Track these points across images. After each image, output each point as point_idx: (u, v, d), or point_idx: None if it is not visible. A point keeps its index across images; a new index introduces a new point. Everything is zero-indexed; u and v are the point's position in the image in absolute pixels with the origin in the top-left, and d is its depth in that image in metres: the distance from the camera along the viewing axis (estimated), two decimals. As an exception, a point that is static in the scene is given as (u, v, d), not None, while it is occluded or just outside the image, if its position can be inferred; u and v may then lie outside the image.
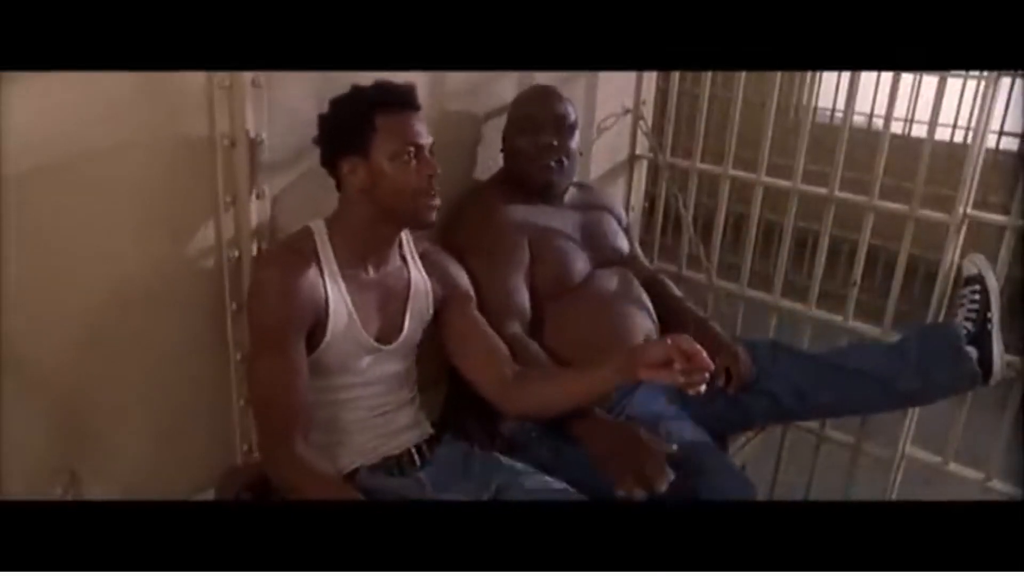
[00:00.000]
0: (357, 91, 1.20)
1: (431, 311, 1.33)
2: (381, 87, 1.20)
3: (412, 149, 1.19)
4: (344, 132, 1.19)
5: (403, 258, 1.31)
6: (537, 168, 1.55)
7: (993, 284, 1.55)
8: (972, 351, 1.50)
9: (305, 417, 1.16)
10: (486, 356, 1.32)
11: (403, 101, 1.20)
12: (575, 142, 1.59)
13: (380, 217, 1.22)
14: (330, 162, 1.23)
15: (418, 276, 1.31)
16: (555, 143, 1.54)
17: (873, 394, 1.54)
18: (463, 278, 1.39)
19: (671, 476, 1.20)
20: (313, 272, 1.18)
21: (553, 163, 1.55)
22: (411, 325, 1.29)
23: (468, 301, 1.37)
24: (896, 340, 1.61)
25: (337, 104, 1.21)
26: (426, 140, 1.21)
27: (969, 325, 1.53)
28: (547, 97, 1.57)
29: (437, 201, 1.22)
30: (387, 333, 1.26)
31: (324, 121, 1.22)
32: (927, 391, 1.54)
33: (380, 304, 1.25)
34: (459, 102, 1.60)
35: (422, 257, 1.34)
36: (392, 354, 1.28)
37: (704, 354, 1.09)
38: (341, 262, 1.21)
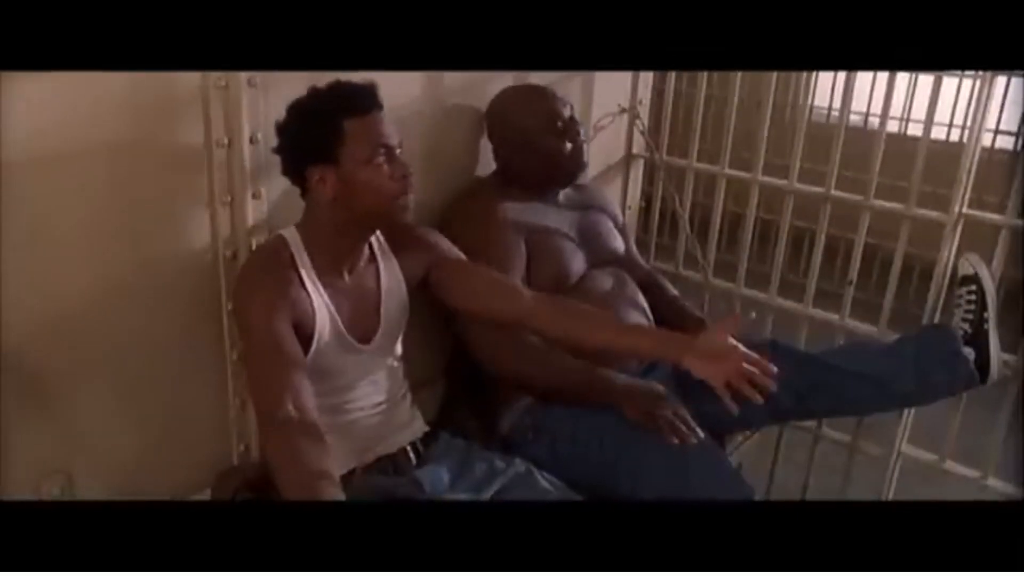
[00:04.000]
0: (319, 96, 1.15)
1: (406, 300, 1.32)
2: (345, 89, 1.15)
3: (383, 151, 1.15)
4: (310, 140, 1.15)
5: (372, 253, 1.29)
6: (574, 162, 1.59)
7: (989, 284, 1.55)
8: (969, 352, 1.50)
9: (307, 408, 1.08)
10: (493, 284, 1.33)
11: (368, 103, 1.16)
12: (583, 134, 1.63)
13: (353, 222, 1.19)
14: (295, 172, 1.19)
15: (388, 267, 1.30)
16: (581, 139, 1.58)
17: (870, 395, 1.54)
18: (444, 241, 1.37)
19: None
20: (296, 283, 1.17)
21: (581, 158, 1.60)
22: (386, 320, 1.28)
23: (456, 256, 1.36)
24: (893, 341, 1.62)
25: (298, 111, 1.16)
26: (395, 140, 1.17)
27: (966, 326, 1.53)
28: (554, 96, 1.59)
29: (412, 198, 1.19)
30: (365, 333, 1.26)
31: (285, 130, 1.17)
32: (924, 392, 1.54)
33: (355, 305, 1.24)
34: (456, 101, 1.60)
35: (399, 237, 1.31)
36: (375, 353, 1.27)
37: (756, 375, 1.12)
38: (319, 269, 1.19)
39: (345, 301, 1.22)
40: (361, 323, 1.25)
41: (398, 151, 1.18)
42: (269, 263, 1.17)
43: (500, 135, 1.61)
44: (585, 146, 1.60)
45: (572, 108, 1.60)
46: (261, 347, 1.11)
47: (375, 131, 1.15)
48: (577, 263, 1.58)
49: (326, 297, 1.19)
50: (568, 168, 1.60)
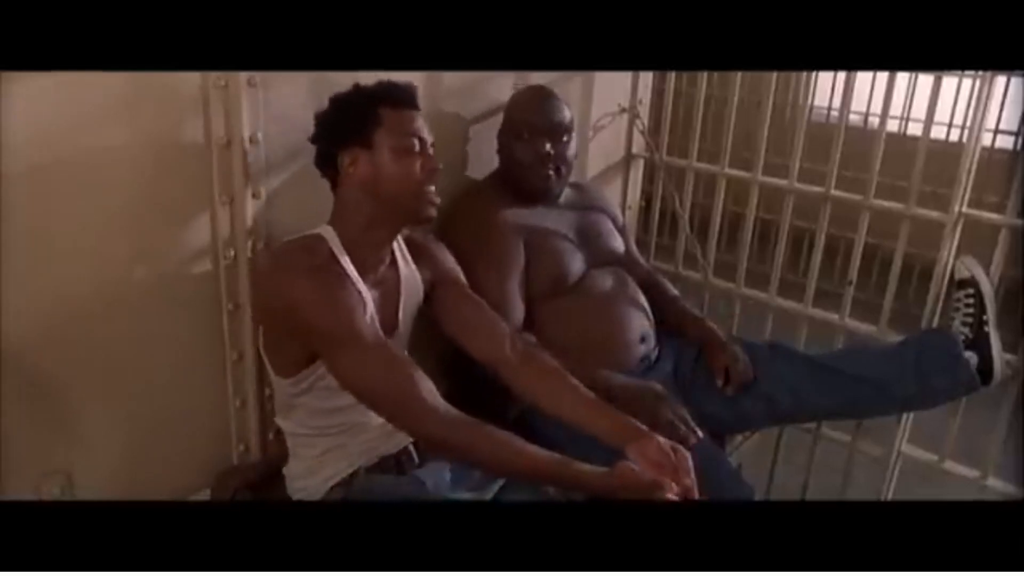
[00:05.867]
0: (360, 87, 1.20)
1: (420, 301, 1.33)
2: (385, 84, 1.20)
3: (416, 142, 1.19)
4: (347, 124, 1.19)
5: (392, 256, 1.29)
6: (535, 175, 1.55)
7: (987, 286, 1.55)
8: (971, 356, 1.50)
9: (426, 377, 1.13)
10: (487, 326, 1.32)
11: (407, 100, 1.21)
12: (572, 147, 1.59)
13: (380, 215, 1.20)
14: (329, 156, 1.21)
15: (408, 270, 1.31)
16: (552, 151, 1.54)
17: (870, 398, 1.54)
18: (450, 260, 1.38)
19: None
20: (348, 280, 1.17)
21: (550, 171, 1.55)
22: (404, 321, 1.29)
23: (459, 279, 1.37)
24: (894, 345, 1.61)
25: (339, 100, 1.21)
26: (428, 137, 1.21)
27: (966, 330, 1.53)
28: (544, 102, 1.56)
29: (437, 199, 1.22)
30: (386, 332, 1.25)
31: (324, 116, 1.21)
32: (925, 396, 1.53)
33: (380, 304, 1.24)
34: (454, 101, 1.60)
35: (407, 243, 1.32)
36: None
37: (690, 483, 1.06)
38: (356, 265, 1.20)
39: (373, 299, 1.22)
40: (383, 323, 1.25)
41: (430, 149, 1.21)
42: (319, 262, 1.16)
43: (498, 136, 1.61)
44: (550, 169, 1.54)
45: (567, 120, 1.56)
46: (373, 351, 1.12)
47: (410, 124, 1.20)
48: (576, 264, 1.58)
49: (369, 296, 1.20)
50: (529, 180, 1.56)
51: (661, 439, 1.12)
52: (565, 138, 1.56)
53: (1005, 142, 3.37)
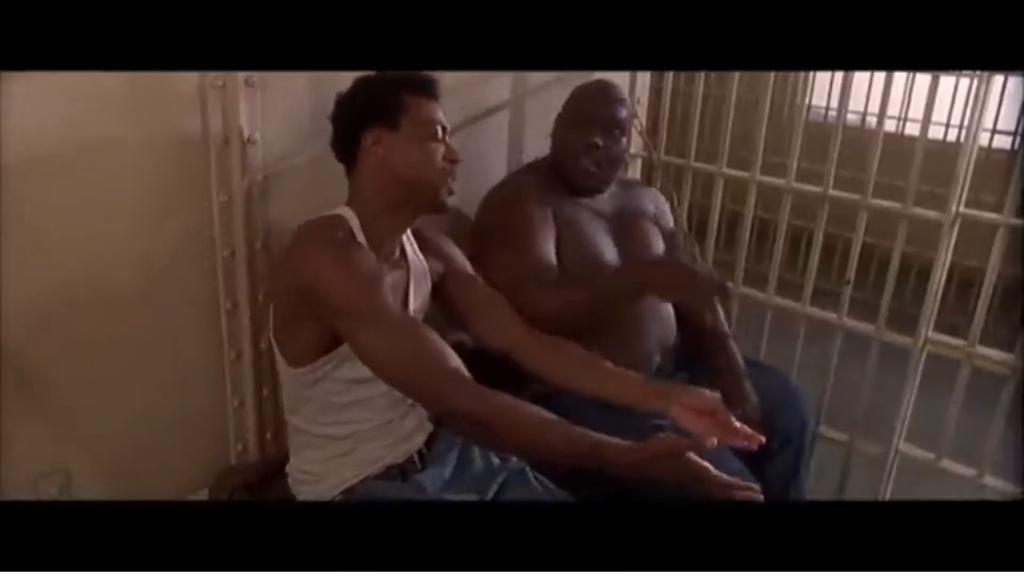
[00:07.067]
0: (386, 72, 1.21)
1: (429, 293, 1.33)
2: (411, 72, 1.21)
3: (438, 130, 1.20)
4: (372, 105, 1.19)
5: (403, 250, 1.29)
6: (578, 165, 1.53)
7: None
8: None
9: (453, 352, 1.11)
10: (501, 312, 1.32)
11: (430, 89, 1.22)
12: (621, 145, 1.57)
13: (399, 198, 1.20)
14: (350, 136, 1.21)
15: (417, 261, 1.30)
16: (600, 143, 1.52)
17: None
18: (458, 253, 1.39)
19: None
20: (366, 249, 1.16)
21: (594, 164, 1.53)
22: (415, 312, 1.28)
23: (468, 269, 1.37)
24: None
25: (364, 81, 1.21)
26: (448, 127, 1.23)
27: None
28: (604, 95, 1.55)
29: (453, 182, 1.23)
30: None
31: (347, 97, 1.22)
32: None
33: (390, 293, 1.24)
34: (452, 100, 1.60)
35: (415, 236, 1.32)
36: None
37: (742, 436, 1.07)
38: (372, 248, 1.19)
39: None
40: None
41: (449, 138, 1.22)
42: (343, 237, 1.15)
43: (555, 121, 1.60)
44: (595, 160, 1.52)
45: (623, 116, 1.54)
46: (399, 324, 1.10)
47: (433, 112, 1.21)
48: (609, 252, 1.55)
49: (384, 275, 1.18)
50: (574, 168, 1.53)
51: (700, 389, 1.13)
52: (617, 132, 1.54)
53: (1003, 142, 3.37)
